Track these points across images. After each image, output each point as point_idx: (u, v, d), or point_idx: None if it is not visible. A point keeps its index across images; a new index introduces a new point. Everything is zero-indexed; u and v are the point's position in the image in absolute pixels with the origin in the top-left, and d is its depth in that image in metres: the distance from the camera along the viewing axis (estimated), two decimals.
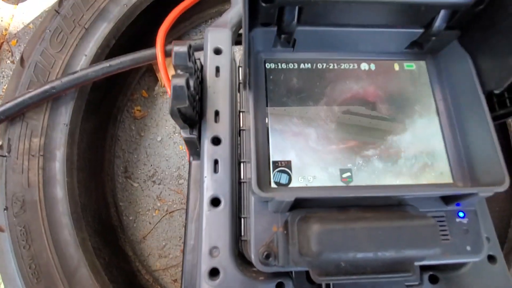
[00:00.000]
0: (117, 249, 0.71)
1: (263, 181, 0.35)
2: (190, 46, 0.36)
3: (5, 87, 0.93)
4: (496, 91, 0.36)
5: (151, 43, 0.75)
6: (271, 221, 0.33)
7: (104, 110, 0.77)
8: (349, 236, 0.26)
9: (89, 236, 0.57)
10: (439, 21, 0.34)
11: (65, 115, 0.58)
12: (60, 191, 0.54)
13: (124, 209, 0.80)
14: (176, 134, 0.85)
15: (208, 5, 0.89)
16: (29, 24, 0.99)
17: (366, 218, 0.28)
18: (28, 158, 0.53)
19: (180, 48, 0.35)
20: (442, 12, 0.34)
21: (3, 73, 0.94)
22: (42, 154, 0.54)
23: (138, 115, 0.85)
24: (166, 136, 0.85)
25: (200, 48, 0.60)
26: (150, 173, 0.82)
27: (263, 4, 0.32)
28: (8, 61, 0.95)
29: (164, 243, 0.78)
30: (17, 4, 1.02)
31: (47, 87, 0.54)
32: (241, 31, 0.55)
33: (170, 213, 0.80)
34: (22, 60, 0.59)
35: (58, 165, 0.55)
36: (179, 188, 0.82)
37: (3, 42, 0.98)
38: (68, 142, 0.57)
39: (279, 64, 0.41)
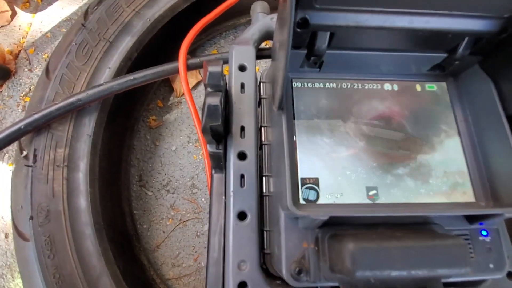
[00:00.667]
0: (133, 258, 0.71)
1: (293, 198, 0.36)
2: (222, 66, 0.38)
3: (22, 95, 0.94)
4: None
5: (170, 56, 0.77)
6: (301, 237, 0.34)
7: (122, 120, 0.78)
8: (384, 255, 0.27)
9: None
10: (463, 47, 0.36)
11: (88, 126, 0.59)
12: (83, 202, 0.55)
13: (138, 217, 0.80)
14: (190, 144, 0.87)
15: (223, 18, 0.91)
16: (47, 33, 1.01)
17: (398, 237, 0.29)
18: (53, 169, 0.55)
19: (214, 68, 0.37)
20: (467, 39, 0.35)
21: (20, 80, 0.96)
22: (66, 165, 0.56)
23: (154, 125, 0.87)
24: (180, 146, 0.86)
25: (224, 62, 0.62)
26: (164, 182, 0.83)
27: (298, 30, 0.34)
28: (26, 69, 0.97)
29: (177, 252, 0.78)
30: (35, 13, 1.04)
31: (73, 99, 0.56)
32: (262, 45, 0.56)
33: (183, 222, 0.81)
34: (48, 71, 0.61)
35: (82, 176, 0.56)
36: (192, 198, 0.83)
37: (20, 50, 1.00)
38: (91, 153, 0.58)
39: (306, 83, 0.43)
